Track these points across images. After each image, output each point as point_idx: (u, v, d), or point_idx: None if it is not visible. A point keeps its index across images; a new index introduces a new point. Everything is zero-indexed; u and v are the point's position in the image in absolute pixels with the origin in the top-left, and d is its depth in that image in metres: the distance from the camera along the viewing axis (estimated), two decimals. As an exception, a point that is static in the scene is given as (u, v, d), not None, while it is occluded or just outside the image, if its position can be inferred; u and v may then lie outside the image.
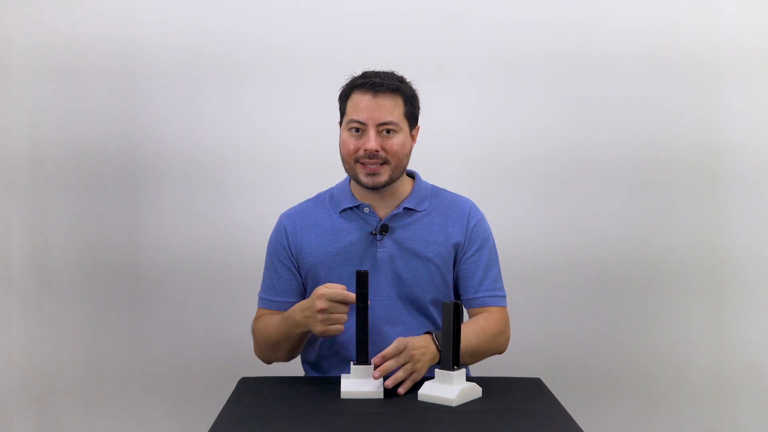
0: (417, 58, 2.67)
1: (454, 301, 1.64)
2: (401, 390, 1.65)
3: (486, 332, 1.86)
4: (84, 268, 2.76)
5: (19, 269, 2.77)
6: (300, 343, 1.88)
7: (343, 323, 1.70)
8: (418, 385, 1.64)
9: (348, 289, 1.77)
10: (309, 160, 2.69)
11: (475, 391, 1.64)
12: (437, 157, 2.65)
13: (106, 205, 2.76)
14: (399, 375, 1.67)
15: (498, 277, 1.96)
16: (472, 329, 1.84)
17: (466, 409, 1.56)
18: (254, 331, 1.95)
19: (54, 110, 2.74)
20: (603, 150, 2.73)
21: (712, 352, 2.76)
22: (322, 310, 1.68)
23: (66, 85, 2.73)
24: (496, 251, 1.99)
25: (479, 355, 1.86)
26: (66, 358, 2.78)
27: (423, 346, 1.70)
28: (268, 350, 1.92)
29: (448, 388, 1.59)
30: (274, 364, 1.98)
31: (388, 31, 2.71)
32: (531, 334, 2.66)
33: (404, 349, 1.66)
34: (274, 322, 1.88)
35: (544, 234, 2.74)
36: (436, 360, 1.72)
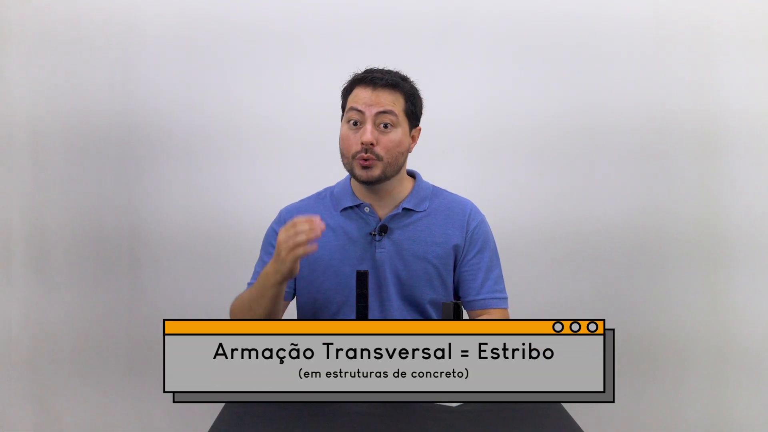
0: (418, 30, 2.73)
1: (453, 301, 1.62)
2: None
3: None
4: (83, 242, 2.77)
5: (18, 244, 2.79)
6: (273, 304, 1.77)
7: (307, 242, 1.62)
8: None
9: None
10: (311, 134, 2.71)
11: None
12: (437, 134, 2.64)
13: (105, 179, 2.79)
14: None
15: (499, 279, 1.96)
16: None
17: (466, 409, 1.53)
18: (230, 308, 1.91)
19: (52, 83, 2.76)
20: (602, 122, 2.77)
21: (712, 323, 2.79)
22: (281, 241, 1.63)
23: (64, 57, 2.76)
24: (497, 253, 1.99)
25: None
26: (65, 334, 2.79)
27: None
28: (240, 317, 1.85)
29: None
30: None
31: (393, 11, 2.76)
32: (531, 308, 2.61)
33: None
34: (248, 289, 1.87)
35: (542, 207, 2.78)
36: None
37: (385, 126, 1.83)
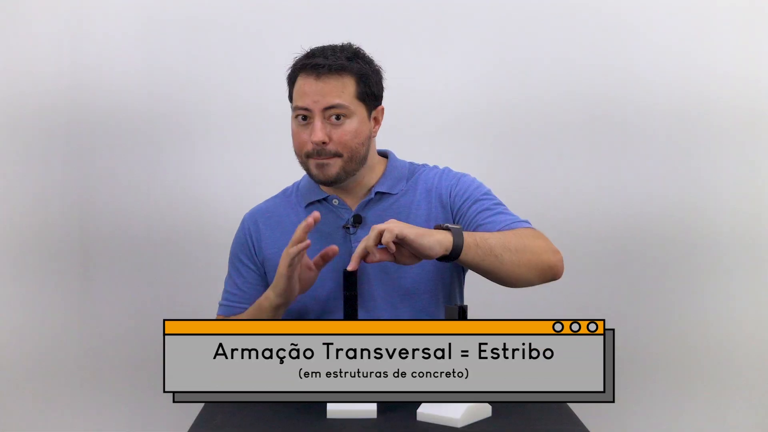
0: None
1: (458, 304, 1.58)
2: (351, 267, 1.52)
3: (514, 232, 1.64)
4: (27, 242, 2.58)
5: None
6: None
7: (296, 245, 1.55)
8: (417, 403, 1.50)
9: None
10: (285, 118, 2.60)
11: (484, 410, 1.52)
12: (436, 116, 2.58)
13: (52, 168, 2.57)
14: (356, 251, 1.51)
15: (507, 212, 1.74)
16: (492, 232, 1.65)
17: (473, 430, 1.47)
18: None
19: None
20: (626, 103, 2.61)
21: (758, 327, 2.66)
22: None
23: (10, 30, 2.55)
24: (497, 198, 1.79)
25: (514, 247, 1.59)
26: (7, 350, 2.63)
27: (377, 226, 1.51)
28: None
29: (452, 407, 1.48)
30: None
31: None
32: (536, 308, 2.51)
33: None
34: (240, 315, 1.78)
35: (553, 199, 2.63)
36: (428, 232, 1.51)
37: (337, 118, 1.67)
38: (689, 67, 2.60)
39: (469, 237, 1.54)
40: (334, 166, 1.69)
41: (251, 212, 1.88)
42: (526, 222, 1.72)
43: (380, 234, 1.49)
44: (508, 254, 1.58)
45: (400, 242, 1.49)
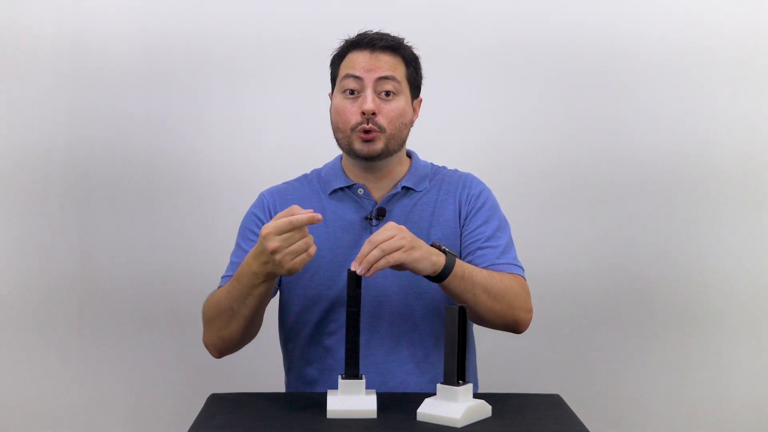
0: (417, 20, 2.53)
1: (458, 305, 1.45)
2: (361, 272, 1.44)
3: (502, 278, 1.64)
4: (26, 182, 2.50)
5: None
6: (260, 306, 1.58)
7: (307, 250, 1.45)
8: (417, 403, 1.44)
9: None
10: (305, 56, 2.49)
11: (484, 409, 1.45)
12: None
13: (57, 108, 2.51)
14: (358, 257, 1.45)
15: (510, 248, 1.74)
16: (483, 270, 1.64)
17: (473, 430, 1.38)
18: (203, 309, 1.68)
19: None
20: (631, 48, 2.56)
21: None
22: (275, 250, 1.42)
23: None
24: (508, 227, 1.78)
25: (493, 293, 1.60)
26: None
27: (391, 232, 1.48)
28: (219, 323, 1.61)
29: (452, 406, 1.40)
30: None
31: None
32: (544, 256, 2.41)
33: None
34: (225, 286, 1.63)
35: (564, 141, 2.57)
36: (427, 255, 1.50)
37: (387, 94, 1.67)
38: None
39: (458, 267, 1.55)
40: (379, 142, 1.68)
41: (270, 190, 1.83)
42: (520, 268, 1.73)
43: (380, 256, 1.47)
44: (484, 297, 1.60)
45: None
